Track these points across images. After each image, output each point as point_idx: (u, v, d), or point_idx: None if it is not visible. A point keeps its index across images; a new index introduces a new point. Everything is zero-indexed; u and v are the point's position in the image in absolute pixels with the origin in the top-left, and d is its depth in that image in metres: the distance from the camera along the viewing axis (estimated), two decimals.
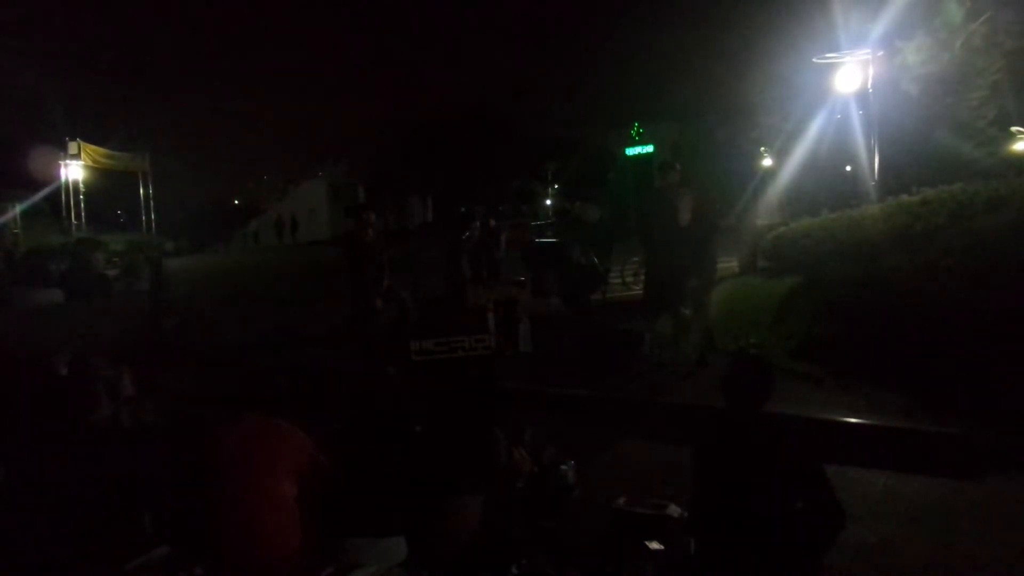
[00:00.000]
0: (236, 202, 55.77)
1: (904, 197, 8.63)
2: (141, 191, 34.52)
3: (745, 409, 3.23)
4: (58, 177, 29.57)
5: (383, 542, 3.54)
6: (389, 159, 48.29)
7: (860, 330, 6.63)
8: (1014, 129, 11.32)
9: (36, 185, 28.43)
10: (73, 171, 29.96)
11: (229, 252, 35.05)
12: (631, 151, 38.41)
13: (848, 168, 14.62)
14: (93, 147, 30.93)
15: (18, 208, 25.91)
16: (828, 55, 11.97)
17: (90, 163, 30.72)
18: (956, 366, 5.61)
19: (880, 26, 11.20)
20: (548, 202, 47.85)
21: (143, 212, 34.53)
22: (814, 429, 5.26)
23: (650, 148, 36.11)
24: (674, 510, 3.96)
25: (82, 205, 30.31)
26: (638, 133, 38.43)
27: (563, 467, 4.60)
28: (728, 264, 11.37)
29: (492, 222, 11.36)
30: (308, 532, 3.53)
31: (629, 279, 12.04)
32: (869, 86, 11.50)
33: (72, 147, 29.63)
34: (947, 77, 10.84)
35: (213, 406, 4.67)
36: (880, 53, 11.34)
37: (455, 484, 3.79)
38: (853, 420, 5.50)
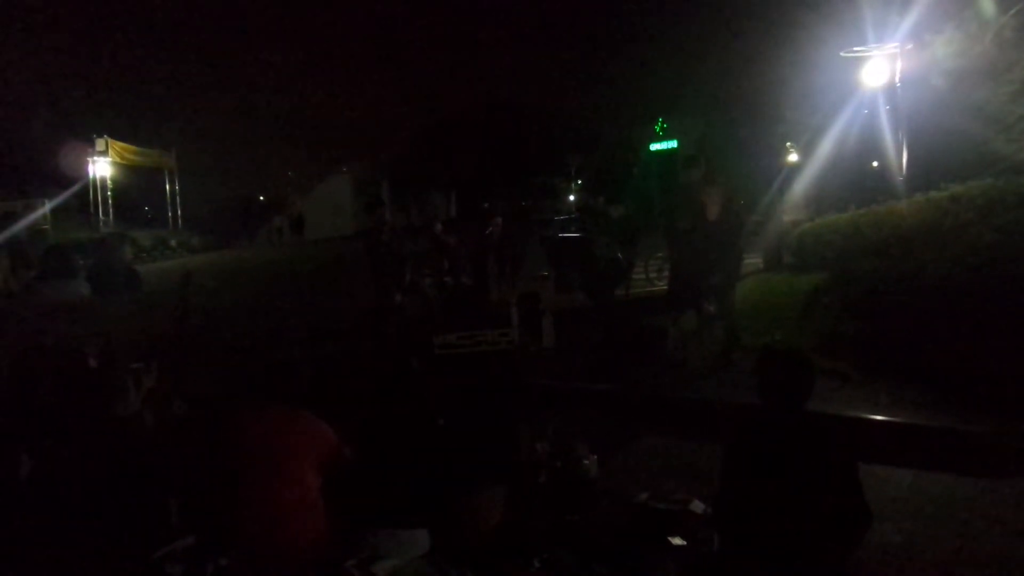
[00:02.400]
0: (261, 198, 56.11)
1: (932, 193, 8.52)
2: (167, 187, 34.95)
3: (784, 407, 3.18)
4: (86, 174, 29.97)
5: (406, 534, 3.56)
6: (413, 155, 48.41)
7: (887, 327, 6.55)
8: None
9: (65, 182, 28.87)
10: (101, 167, 30.36)
11: (255, 247, 35.34)
12: (655, 146, 38.20)
13: (875, 164, 14.43)
14: (121, 143, 31.34)
15: (48, 204, 26.34)
16: (856, 49, 11.81)
17: (118, 159, 31.12)
18: (985, 363, 5.52)
19: (909, 19, 11.04)
20: (571, 197, 47.75)
21: (169, 208, 34.96)
22: (840, 426, 5.20)
23: (674, 144, 35.87)
24: (697, 506, 3.94)
25: (110, 201, 30.71)
26: (662, 128, 38.21)
27: (585, 461, 4.60)
28: (753, 260, 11.29)
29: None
30: (332, 523, 3.56)
31: (653, 275, 12.00)
32: (897, 80, 11.34)
33: (100, 143, 30.01)
34: (977, 71, 10.67)
35: (239, 398, 4.73)
36: (909, 46, 11.18)
37: (478, 477, 3.80)
38: (879, 417, 5.44)
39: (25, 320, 5.79)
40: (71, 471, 3.65)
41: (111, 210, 30.61)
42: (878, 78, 11.50)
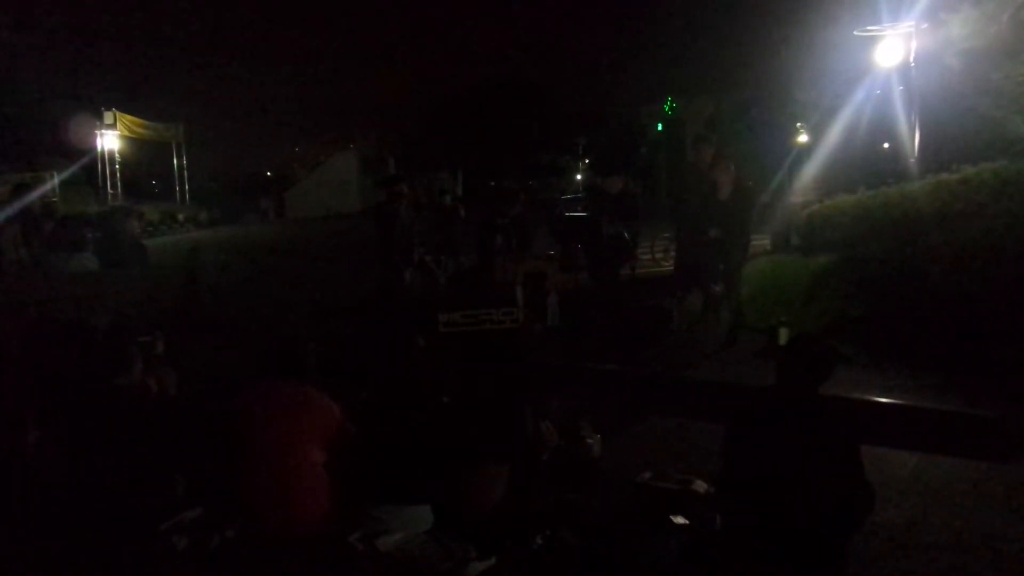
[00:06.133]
0: (268, 173, 56.06)
1: (944, 175, 8.43)
2: (175, 161, 34.91)
3: (799, 389, 3.18)
4: (94, 147, 29.93)
5: (409, 509, 3.58)
6: (419, 133, 48.22)
7: (894, 310, 6.52)
8: None
9: (73, 154, 28.84)
10: (109, 141, 30.29)
11: (260, 223, 35.38)
12: (662, 126, 37.92)
13: (886, 145, 14.29)
14: (129, 117, 31.25)
15: (56, 177, 26.34)
16: (870, 28, 11.65)
17: (126, 133, 31.05)
18: (992, 348, 5.50)
19: None
20: (579, 176, 47.57)
21: (177, 182, 34.95)
22: (844, 408, 5.20)
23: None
24: (700, 485, 3.95)
25: (118, 175, 30.68)
26: (671, 108, 37.89)
27: (589, 440, 4.62)
28: (761, 241, 11.23)
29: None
30: (336, 498, 3.58)
31: (659, 254, 11.96)
32: (911, 60, 11.19)
33: (108, 117, 29.93)
34: (993, 51, 10.52)
35: (245, 373, 4.74)
36: (924, 26, 11.01)
37: (481, 455, 3.81)
38: (884, 400, 5.43)
39: (35, 291, 5.83)
40: (78, 441, 3.67)
41: (119, 183, 30.58)
42: (892, 58, 11.34)
